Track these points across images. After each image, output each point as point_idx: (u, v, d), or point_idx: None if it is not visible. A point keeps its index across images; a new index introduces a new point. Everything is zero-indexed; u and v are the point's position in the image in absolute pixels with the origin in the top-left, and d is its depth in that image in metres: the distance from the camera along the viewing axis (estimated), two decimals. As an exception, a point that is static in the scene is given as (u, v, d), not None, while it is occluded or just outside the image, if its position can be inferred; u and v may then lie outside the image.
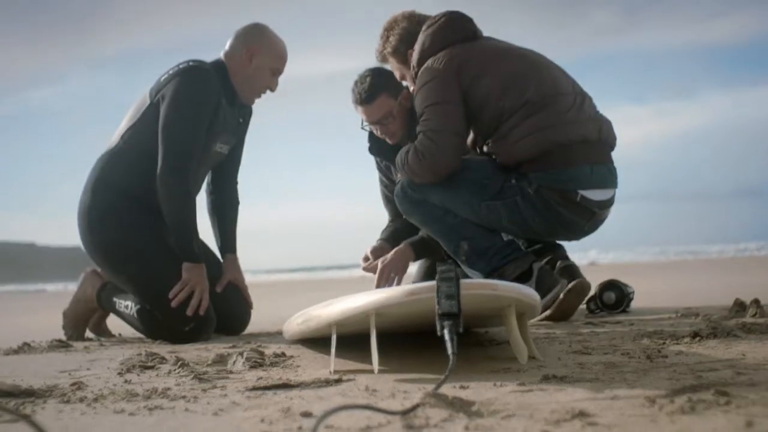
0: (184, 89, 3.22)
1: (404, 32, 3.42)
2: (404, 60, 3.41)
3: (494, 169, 3.16)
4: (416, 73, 3.27)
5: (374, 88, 3.47)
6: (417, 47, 3.29)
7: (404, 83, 3.52)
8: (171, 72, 3.30)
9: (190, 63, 3.32)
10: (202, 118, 3.24)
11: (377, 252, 3.60)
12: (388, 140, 3.57)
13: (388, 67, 3.57)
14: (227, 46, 3.43)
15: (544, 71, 3.20)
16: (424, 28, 3.31)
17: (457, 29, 3.26)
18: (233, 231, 3.67)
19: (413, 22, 3.43)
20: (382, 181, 3.86)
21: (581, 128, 3.10)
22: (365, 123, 3.58)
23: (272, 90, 3.47)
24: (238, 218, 3.71)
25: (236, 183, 3.71)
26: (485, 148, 3.20)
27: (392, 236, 3.68)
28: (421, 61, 3.26)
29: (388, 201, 3.84)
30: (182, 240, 3.23)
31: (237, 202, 3.71)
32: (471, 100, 3.14)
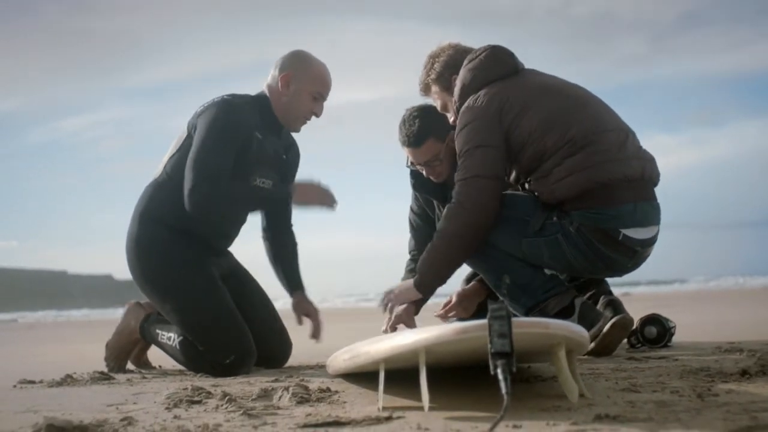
0: (211, 121, 3.24)
1: (449, 59, 3.42)
2: (447, 87, 3.39)
3: (536, 206, 3.14)
4: (457, 109, 3.27)
5: (422, 132, 3.45)
6: (458, 82, 3.29)
7: (447, 115, 3.50)
8: (207, 104, 3.34)
9: (225, 97, 3.34)
10: (229, 145, 3.22)
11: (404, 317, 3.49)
12: (433, 179, 3.57)
13: (431, 100, 3.57)
14: (268, 77, 3.46)
15: (587, 108, 3.17)
16: (465, 62, 3.31)
17: (497, 65, 3.25)
18: (297, 270, 3.69)
19: (458, 51, 3.43)
20: (412, 209, 3.85)
21: (624, 167, 3.07)
22: (410, 162, 3.59)
23: (317, 115, 3.46)
24: (299, 258, 3.73)
25: (291, 225, 3.73)
26: (527, 186, 3.18)
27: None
28: (462, 98, 3.25)
29: (415, 229, 3.85)
30: (261, 203, 3.36)
31: (295, 244, 3.72)
32: (512, 139, 3.12)
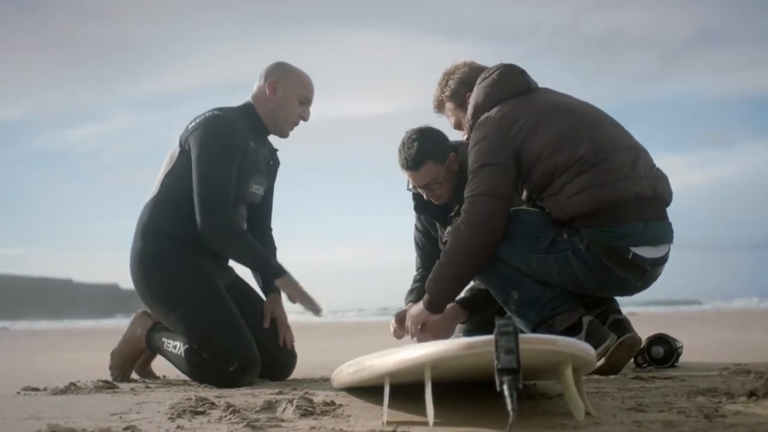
0: (207, 141, 3.32)
1: (464, 76, 3.45)
2: (462, 104, 3.42)
3: (546, 223, 3.13)
4: (470, 127, 3.28)
5: (421, 155, 3.44)
6: (471, 101, 3.31)
7: (460, 133, 3.51)
8: (197, 120, 3.40)
9: (215, 112, 3.41)
10: (228, 164, 3.32)
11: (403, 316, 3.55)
12: (434, 201, 3.56)
13: (442, 115, 3.58)
14: (254, 88, 3.55)
15: (597, 127, 3.17)
16: (478, 81, 3.32)
17: (510, 83, 3.26)
18: None
19: (473, 68, 3.47)
20: (417, 228, 3.85)
21: (635, 185, 3.06)
22: (411, 185, 3.58)
23: (305, 119, 3.56)
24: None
25: (271, 230, 3.77)
26: (538, 203, 3.18)
27: (420, 296, 3.58)
28: (475, 116, 3.26)
29: (420, 248, 3.84)
30: (260, 266, 3.40)
31: (274, 248, 3.75)
32: (523, 157, 3.12)
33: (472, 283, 3.58)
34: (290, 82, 3.50)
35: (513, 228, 3.15)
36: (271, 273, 3.40)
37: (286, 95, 3.49)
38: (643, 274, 3.11)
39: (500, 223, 3.12)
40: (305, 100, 3.53)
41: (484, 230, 3.11)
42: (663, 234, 3.13)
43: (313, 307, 3.36)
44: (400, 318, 3.55)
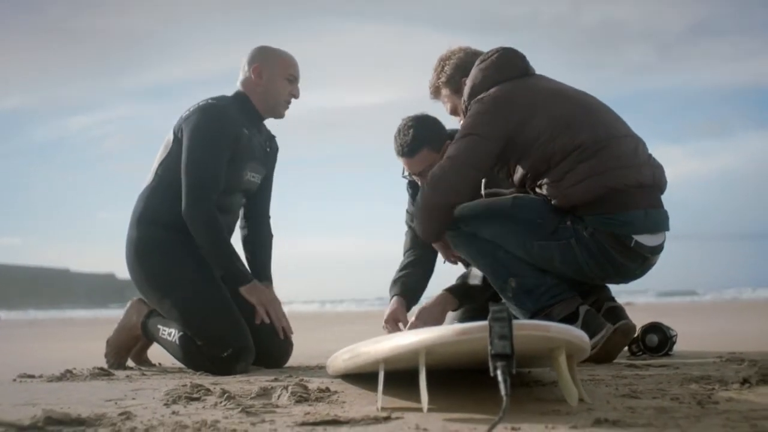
0: (199, 128, 3.35)
1: (460, 62, 3.45)
2: (458, 89, 3.42)
3: (549, 210, 3.13)
4: (466, 108, 3.27)
5: (416, 142, 3.46)
6: (469, 82, 3.30)
7: (457, 119, 3.52)
8: (191, 109, 3.43)
9: (209, 101, 3.45)
10: (219, 152, 3.34)
11: (394, 315, 3.60)
12: None
13: (439, 102, 3.58)
14: (240, 76, 3.57)
15: (596, 115, 3.18)
16: (477, 63, 3.32)
17: (509, 66, 3.26)
18: (268, 262, 3.74)
19: (469, 54, 3.48)
20: (408, 211, 3.86)
21: (637, 173, 3.07)
22: (406, 173, 3.59)
23: (296, 96, 3.58)
24: (272, 251, 3.77)
25: (269, 217, 3.78)
26: (538, 190, 3.17)
27: (404, 288, 3.68)
28: (471, 96, 3.26)
29: (412, 229, 3.84)
30: (226, 265, 3.33)
31: (270, 236, 3.77)
32: (520, 139, 3.12)
33: (463, 271, 3.61)
34: (274, 63, 3.52)
35: (513, 214, 3.15)
36: (237, 278, 3.35)
37: (273, 76, 3.51)
38: (644, 261, 3.14)
39: (465, 188, 3.16)
40: (292, 78, 3.55)
41: (448, 192, 3.14)
42: (661, 222, 3.15)
43: (279, 320, 3.38)
44: (394, 318, 3.57)
